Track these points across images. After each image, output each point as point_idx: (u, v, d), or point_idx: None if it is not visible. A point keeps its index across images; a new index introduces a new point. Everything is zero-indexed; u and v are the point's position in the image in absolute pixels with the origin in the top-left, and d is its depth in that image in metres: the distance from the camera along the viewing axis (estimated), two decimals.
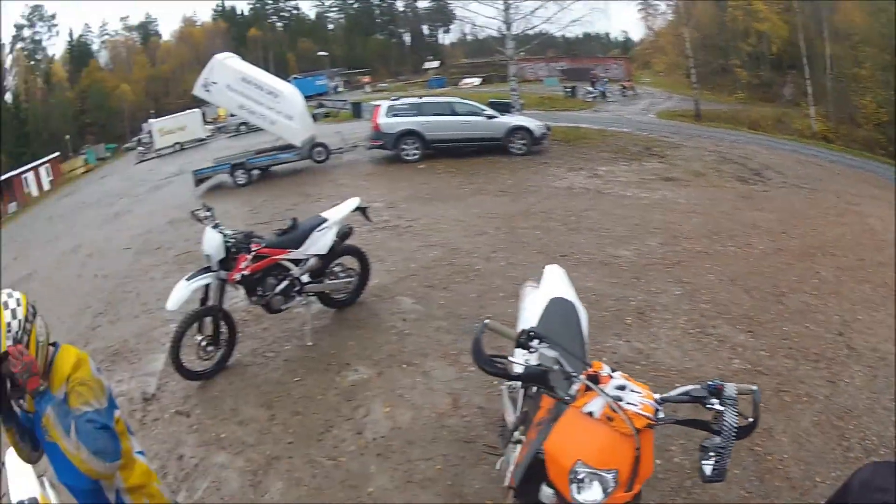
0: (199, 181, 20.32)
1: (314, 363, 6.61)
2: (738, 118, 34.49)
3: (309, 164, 19.29)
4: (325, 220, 7.00)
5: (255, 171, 19.75)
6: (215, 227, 6.61)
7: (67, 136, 60.02)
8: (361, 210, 7.45)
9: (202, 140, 41.67)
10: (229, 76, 19.28)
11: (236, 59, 20.80)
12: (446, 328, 6.76)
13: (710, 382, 2.71)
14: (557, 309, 3.89)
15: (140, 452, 3.38)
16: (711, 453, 2.54)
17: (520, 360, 3.05)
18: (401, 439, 5.21)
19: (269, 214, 14.13)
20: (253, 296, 6.85)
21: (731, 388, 2.67)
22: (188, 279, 6.67)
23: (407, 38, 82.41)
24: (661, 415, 2.67)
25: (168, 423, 6.45)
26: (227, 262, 6.57)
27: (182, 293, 6.56)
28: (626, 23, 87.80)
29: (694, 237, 10.35)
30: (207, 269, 6.65)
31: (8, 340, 2.79)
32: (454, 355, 6.22)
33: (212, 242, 6.52)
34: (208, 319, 6.77)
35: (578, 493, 2.55)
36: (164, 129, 42.85)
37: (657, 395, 2.74)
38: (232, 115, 33.89)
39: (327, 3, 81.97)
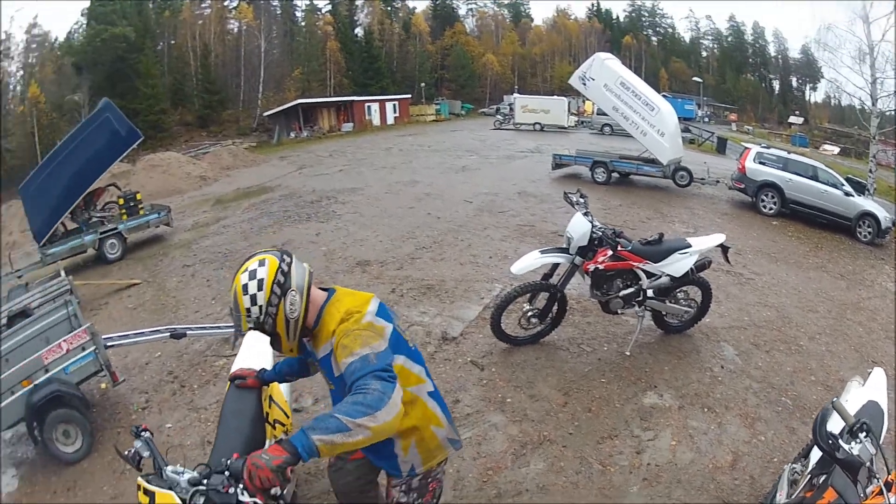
0: (557, 165, 21.48)
1: (624, 373, 6.82)
2: None
3: (668, 184, 19.41)
4: (688, 246, 7.07)
5: (615, 174, 20.29)
6: (585, 214, 7.01)
7: (423, 84, 66.42)
8: (724, 249, 7.46)
9: (563, 128, 43.36)
10: (609, 76, 19.81)
11: (617, 62, 21.31)
12: (755, 390, 6.64)
13: None
14: (870, 411, 3.98)
15: (431, 393, 3.40)
16: None
17: (847, 449, 3.22)
18: (671, 474, 5.28)
19: (622, 220, 14.41)
20: (597, 290, 7.13)
21: None
22: (542, 252, 7.16)
23: (776, 84, 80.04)
24: None
25: (458, 367, 7.11)
26: (586, 251, 6.95)
27: (531, 262, 7.05)
28: None
29: None
30: (563, 251, 7.09)
31: (249, 323, 3.00)
32: (752, 419, 6.12)
33: (579, 228, 6.92)
34: (544, 295, 7.24)
35: None
36: (527, 106, 45.45)
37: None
38: (599, 114, 34.62)
39: (702, 30, 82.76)
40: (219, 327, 8.94)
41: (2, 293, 11.19)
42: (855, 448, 3.19)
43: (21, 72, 54.21)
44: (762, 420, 6.06)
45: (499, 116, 49.62)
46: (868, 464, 3.17)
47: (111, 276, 14.36)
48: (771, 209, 17.24)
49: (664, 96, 23.79)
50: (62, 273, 10.76)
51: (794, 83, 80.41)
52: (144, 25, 56.48)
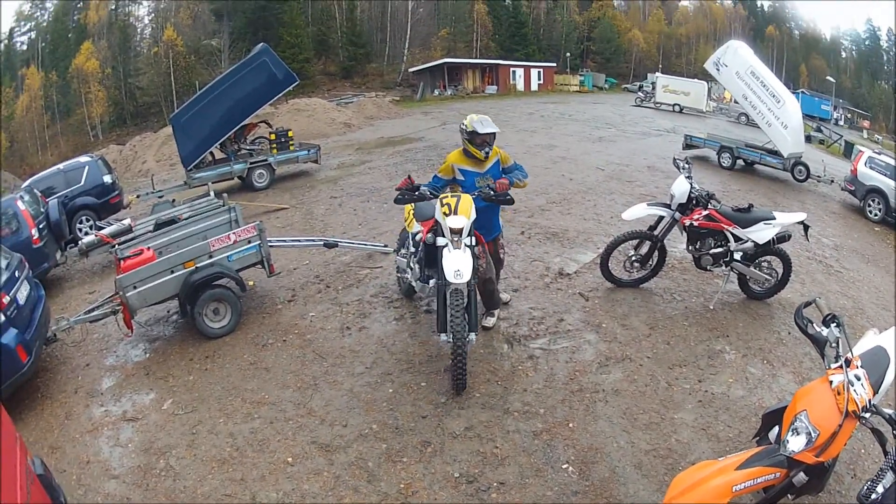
0: (687, 146, 21.75)
1: (704, 321, 7.61)
2: None
3: (787, 177, 19.23)
4: (773, 218, 7.63)
5: (740, 161, 20.36)
6: (688, 178, 7.95)
7: (568, 54, 65.46)
8: (804, 226, 8.00)
9: (701, 112, 42.41)
10: (740, 64, 19.90)
11: (750, 51, 21.00)
12: (812, 357, 6.98)
13: None
14: (877, 353, 4.48)
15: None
16: (879, 483, 3.36)
17: (816, 329, 4.20)
18: (722, 402, 6.04)
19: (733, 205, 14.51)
20: (691, 245, 8.00)
21: None
22: (649, 204, 8.21)
23: None
24: (866, 414, 3.51)
25: (567, 295, 8.32)
26: (685, 209, 7.90)
27: (638, 211, 8.13)
28: None
29: None
30: (667, 206, 8.07)
31: (467, 137, 6.83)
32: (804, 378, 6.59)
33: (680, 187, 7.89)
34: (647, 243, 8.24)
35: (789, 435, 3.48)
36: (668, 86, 44.64)
37: (874, 400, 3.61)
38: (735, 102, 34.51)
39: (842, 30, 77.60)
40: (366, 244, 10.14)
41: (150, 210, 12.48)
42: (824, 332, 4.08)
43: (151, 15, 56.75)
44: (811, 381, 6.43)
45: (640, 94, 48.75)
46: (836, 346, 3.95)
47: (259, 200, 15.70)
48: (876, 215, 16.69)
49: (802, 93, 23.37)
50: (211, 193, 12.12)
51: None
52: None
